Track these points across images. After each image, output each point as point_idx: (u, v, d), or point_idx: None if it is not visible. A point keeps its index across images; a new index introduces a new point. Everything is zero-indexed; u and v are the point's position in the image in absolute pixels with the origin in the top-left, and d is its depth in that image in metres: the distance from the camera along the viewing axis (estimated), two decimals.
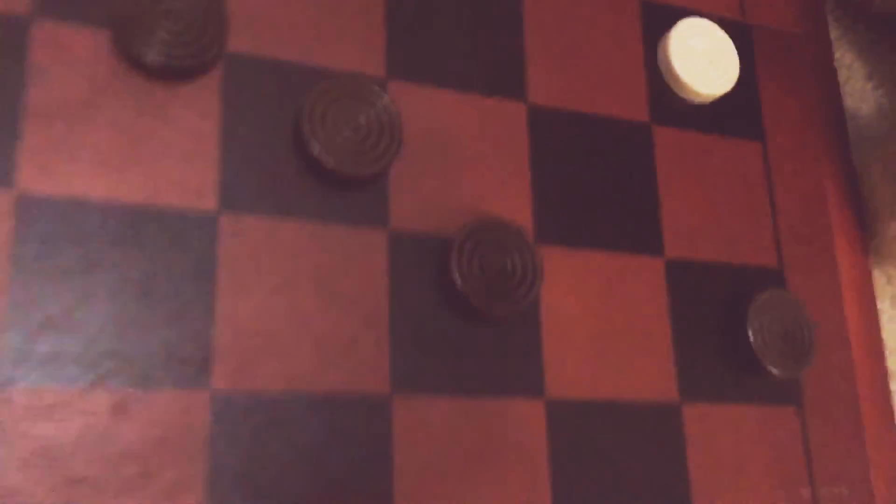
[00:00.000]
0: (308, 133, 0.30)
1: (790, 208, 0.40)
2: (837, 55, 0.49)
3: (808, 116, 0.42)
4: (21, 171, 0.27)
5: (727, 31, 0.41)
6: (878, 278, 0.46)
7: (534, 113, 0.36)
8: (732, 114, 0.40)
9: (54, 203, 0.27)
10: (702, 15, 0.41)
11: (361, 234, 0.31)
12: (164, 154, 0.29)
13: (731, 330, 0.37)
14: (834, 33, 0.49)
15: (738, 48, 0.41)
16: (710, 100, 0.39)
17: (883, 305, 0.46)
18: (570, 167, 0.36)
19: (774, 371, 0.36)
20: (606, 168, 0.36)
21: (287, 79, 0.32)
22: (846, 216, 0.42)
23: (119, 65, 0.29)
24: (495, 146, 0.34)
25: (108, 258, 0.27)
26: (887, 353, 0.44)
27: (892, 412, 0.40)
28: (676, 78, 0.38)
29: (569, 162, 0.36)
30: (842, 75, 0.49)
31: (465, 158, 0.34)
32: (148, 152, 0.29)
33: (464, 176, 0.33)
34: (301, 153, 0.31)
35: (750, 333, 0.36)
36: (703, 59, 0.39)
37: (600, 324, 0.34)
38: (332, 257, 0.30)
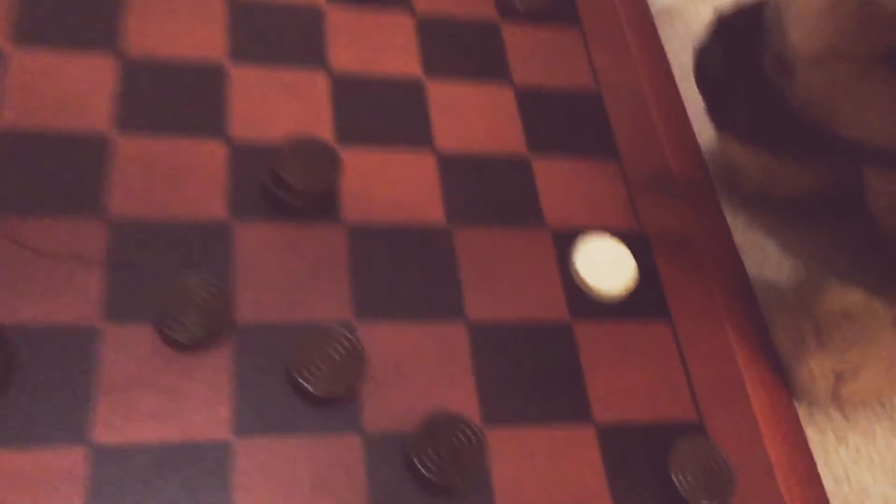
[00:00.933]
0: (298, 377, 0.42)
1: (702, 371, 0.49)
2: (750, 240, 0.60)
3: (710, 293, 0.52)
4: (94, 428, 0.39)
5: (627, 241, 0.53)
6: (816, 415, 0.53)
7: (473, 328, 0.47)
8: (642, 304, 0.51)
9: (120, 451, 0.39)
10: (604, 230, 0.53)
11: (342, 440, 0.42)
12: (190, 400, 0.41)
13: (661, 480, 0.45)
14: (741, 220, 0.60)
15: (639, 252, 0.52)
16: (618, 298, 0.50)
17: (827, 438, 0.53)
18: (508, 365, 0.46)
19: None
20: (538, 360, 0.47)
21: (280, 334, 0.44)
22: (760, 365, 0.51)
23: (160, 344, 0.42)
24: (440, 359, 0.46)
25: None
26: (832, 479, 0.51)
27: None
28: (585, 283, 0.50)
29: (505, 360, 0.47)
30: (755, 256, 0.59)
31: (418, 371, 0.45)
32: (179, 403, 0.41)
33: (419, 384, 0.44)
34: (295, 387, 0.43)
35: (673, 478, 0.44)
36: (604, 266, 0.50)
37: (547, 492, 0.43)
38: (322, 462, 0.41)
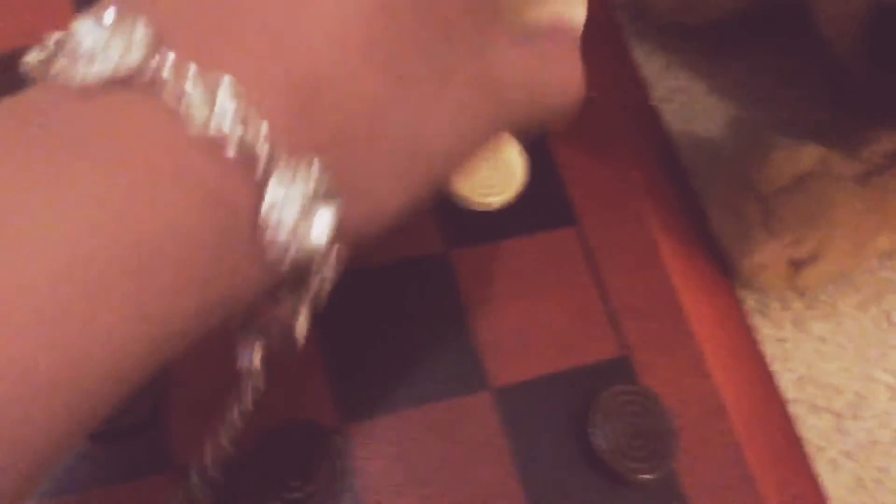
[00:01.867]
0: None
1: (623, 286, 0.37)
2: (670, 83, 0.47)
3: (624, 177, 0.40)
4: None
5: None
6: (770, 305, 0.43)
7: None
8: (536, 209, 0.38)
9: None
10: None
11: None
12: None
13: (581, 445, 0.34)
14: (657, 63, 0.47)
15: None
16: (502, 206, 0.37)
17: (785, 333, 0.43)
18: (365, 328, 0.34)
19: (638, 476, 0.33)
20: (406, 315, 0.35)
21: None
22: (695, 263, 0.39)
23: None
24: None
25: None
26: (795, 385, 0.41)
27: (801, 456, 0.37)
28: (456, 194, 0.37)
29: (361, 322, 0.34)
30: (677, 103, 0.46)
31: None
32: None
33: None
34: None
35: (596, 446, 0.34)
36: (479, 165, 0.37)
37: (433, 490, 0.32)
38: None
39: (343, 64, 0.18)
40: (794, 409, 0.40)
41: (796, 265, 0.39)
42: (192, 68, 0.16)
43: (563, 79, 0.24)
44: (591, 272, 0.37)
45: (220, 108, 0.16)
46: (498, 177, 0.36)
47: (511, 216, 0.37)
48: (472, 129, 0.21)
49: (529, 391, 0.35)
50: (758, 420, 0.37)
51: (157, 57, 0.17)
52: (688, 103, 0.46)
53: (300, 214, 0.17)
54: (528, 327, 0.36)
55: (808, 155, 0.39)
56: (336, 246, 0.18)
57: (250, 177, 0.17)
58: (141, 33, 0.17)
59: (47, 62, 0.17)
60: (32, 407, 0.15)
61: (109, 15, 0.17)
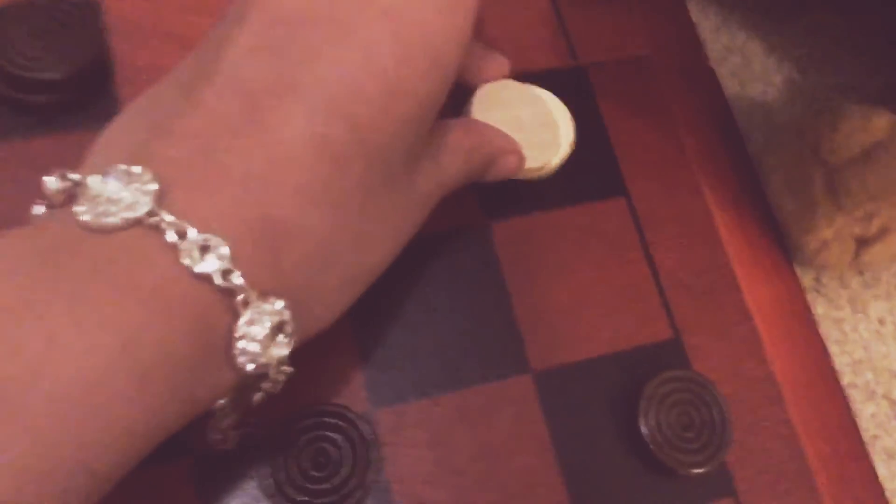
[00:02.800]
0: None
1: (673, 262, 0.34)
2: (725, 42, 0.43)
3: (677, 142, 0.36)
4: None
5: (553, 81, 0.35)
6: (828, 283, 0.40)
7: None
8: (585, 178, 0.35)
9: None
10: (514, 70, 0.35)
11: None
12: None
13: (627, 434, 0.32)
14: (713, 20, 0.44)
15: (571, 96, 0.35)
16: (546, 173, 0.34)
17: (843, 313, 0.40)
18: (393, 306, 0.32)
19: (688, 470, 0.31)
20: (443, 293, 0.32)
21: None
22: (753, 239, 0.36)
23: None
24: None
25: None
26: (851, 369, 0.38)
27: (860, 446, 0.34)
28: None
29: (389, 302, 0.32)
30: (733, 63, 0.43)
31: None
32: None
33: None
34: None
35: (645, 433, 0.31)
36: (525, 129, 0.33)
37: (467, 479, 0.30)
38: None
39: (302, 210, 0.23)
40: (850, 395, 0.37)
41: (862, 243, 0.36)
42: (187, 226, 0.21)
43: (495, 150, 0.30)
44: (642, 246, 0.34)
45: (208, 259, 0.21)
46: (546, 141, 0.33)
47: (555, 185, 0.34)
48: (404, 233, 0.27)
49: (573, 375, 0.32)
50: (815, 409, 0.34)
51: (159, 209, 0.21)
52: (743, 64, 0.43)
53: (265, 336, 0.22)
54: (572, 306, 0.33)
55: (880, 123, 0.35)
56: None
57: (229, 307, 0.22)
58: (148, 186, 0.21)
59: (65, 195, 0.22)
60: (51, 480, 0.19)
61: (122, 169, 0.21)
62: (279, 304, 0.22)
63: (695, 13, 0.43)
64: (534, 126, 0.32)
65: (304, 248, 0.23)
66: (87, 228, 0.21)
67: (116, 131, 0.24)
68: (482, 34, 0.34)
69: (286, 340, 0.23)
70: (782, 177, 0.36)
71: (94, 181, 0.21)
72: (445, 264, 0.33)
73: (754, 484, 0.32)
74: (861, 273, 0.40)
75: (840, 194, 0.35)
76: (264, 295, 0.22)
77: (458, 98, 0.31)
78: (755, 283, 0.35)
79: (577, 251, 0.34)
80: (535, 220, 0.34)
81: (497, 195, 0.34)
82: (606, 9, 0.38)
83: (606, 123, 0.36)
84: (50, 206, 0.23)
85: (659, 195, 0.35)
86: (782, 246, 0.38)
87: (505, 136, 0.30)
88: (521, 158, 0.31)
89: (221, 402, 0.23)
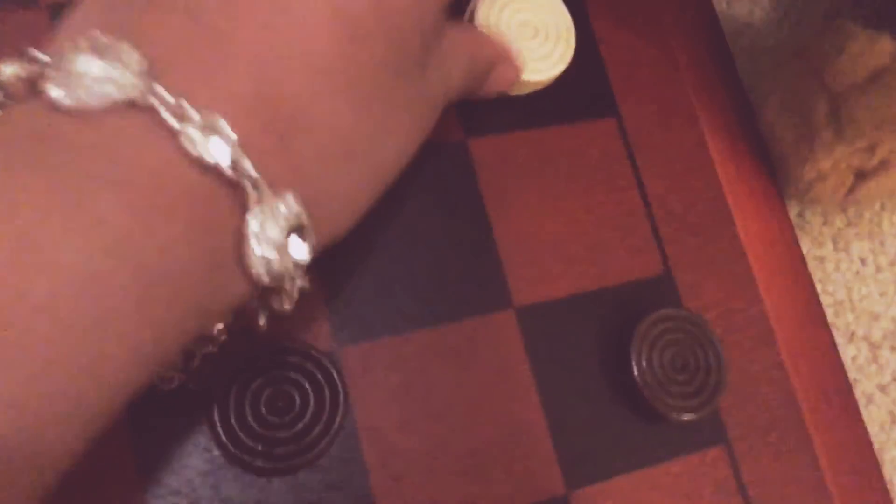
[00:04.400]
0: None
1: (664, 190, 0.31)
2: None
3: (670, 63, 0.33)
4: None
5: None
6: (811, 220, 0.38)
7: None
8: (575, 93, 0.31)
9: None
10: None
11: None
12: None
13: (617, 377, 0.29)
14: None
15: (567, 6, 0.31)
16: (539, 86, 0.30)
17: (825, 251, 0.38)
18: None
19: (681, 416, 0.28)
20: (416, 215, 0.28)
21: None
22: (745, 165, 0.34)
23: None
24: None
25: None
26: (832, 310, 0.36)
27: (857, 414, 0.32)
28: None
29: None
30: None
31: None
32: None
33: None
34: None
35: (637, 376, 0.28)
36: (526, 32, 0.30)
37: (443, 423, 0.27)
38: None
39: (317, 93, 0.20)
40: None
41: (860, 176, 0.33)
42: (187, 106, 0.17)
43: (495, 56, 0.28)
44: (633, 172, 0.31)
45: (214, 145, 0.18)
46: (554, 53, 0.29)
47: (542, 101, 0.30)
48: (420, 133, 0.24)
49: (558, 311, 0.29)
50: (806, 353, 0.32)
51: (153, 89, 0.17)
52: None
53: (280, 237, 0.19)
54: (557, 236, 0.30)
55: (886, 47, 0.33)
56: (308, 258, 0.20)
57: (238, 204, 0.18)
58: (136, 64, 0.18)
59: (31, 80, 0.18)
60: (51, 406, 0.16)
61: (103, 42, 0.18)
62: (294, 201, 0.19)
63: None
64: (543, 35, 0.29)
65: (320, 134, 0.20)
66: (66, 112, 0.17)
67: (88, 8, 0.20)
68: None
69: (304, 245, 0.20)
70: (779, 102, 0.33)
71: (70, 58, 0.17)
72: (419, 186, 0.29)
73: (746, 430, 0.30)
74: (844, 210, 0.38)
75: (843, 122, 0.32)
76: (277, 189, 0.19)
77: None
78: (747, 217, 0.33)
79: (562, 176, 0.30)
80: (517, 139, 0.30)
81: (476, 108, 0.30)
82: None
83: (598, 37, 0.32)
84: (5, 99, 0.18)
85: (652, 118, 0.32)
86: (773, 178, 0.35)
87: (505, 45, 0.28)
88: (518, 71, 0.28)
89: (219, 325, 0.21)
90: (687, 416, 0.29)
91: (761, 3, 0.40)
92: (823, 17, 0.38)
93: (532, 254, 0.29)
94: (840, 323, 0.37)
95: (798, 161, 0.33)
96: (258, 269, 0.19)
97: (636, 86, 0.32)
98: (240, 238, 0.19)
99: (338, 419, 0.25)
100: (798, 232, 0.37)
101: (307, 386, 0.25)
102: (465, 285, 0.28)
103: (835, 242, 0.38)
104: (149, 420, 0.24)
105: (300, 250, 0.19)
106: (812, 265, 0.37)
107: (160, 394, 0.23)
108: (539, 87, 0.30)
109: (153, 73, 0.18)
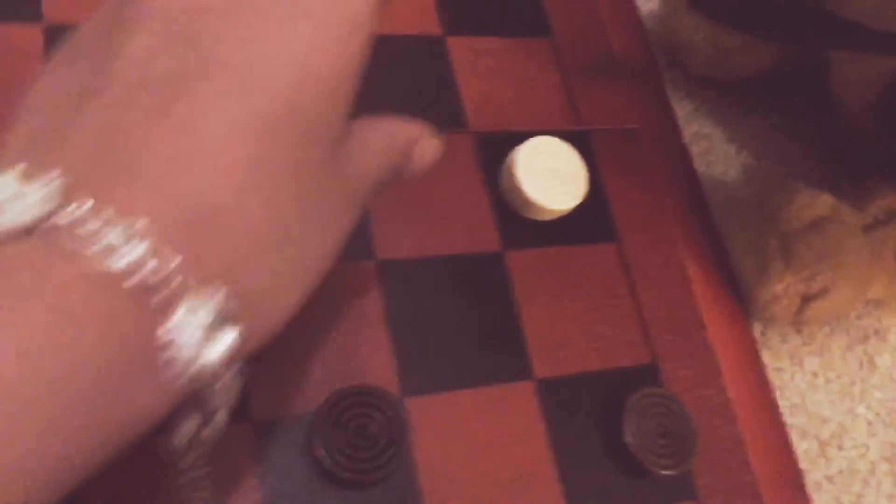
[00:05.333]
0: None
1: (654, 301, 0.41)
2: (695, 128, 0.51)
3: (659, 200, 0.43)
4: None
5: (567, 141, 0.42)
6: (772, 338, 0.47)
7: (383, 267, 0.37)
8: (586, 221, 0.41)
9: None
10: (539, 133, 0.42)
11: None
12: None
13: (611, 438, 0.37)
14: (687, 108, 0.51)
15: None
16: (561, 215, 0.41)
17: (783, 363, 0.47)
18: (425, 313, 0.37)
19: (661, 472, 0.37)
20: (464, 305, 0.38)
21: None
22: (717, 290, 0.43)
23: None
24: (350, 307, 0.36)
25: None
26: (789, 411, 0.45)
27: (796, 474, 0.41)
28: (527, 199, 0.40)
29: (421, 306, 0.37)
30: (701, 146, 0.51)
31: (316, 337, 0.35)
32: None
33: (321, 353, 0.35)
34: None
35: (628, 438, 0.37)
36: (552, 176, 0.40)
37: (479, 467, 0.35)
38: None
39: (231, 192, 0.20)
40: (788, 432, 0.44)
41: (806, 299, 0.43)
42: (109, 212, 0.18)
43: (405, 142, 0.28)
44: (628, 285, 0.41)
45: (129, 252, 0.18)
46: (573, 190, 0.40)
47: (561, 227, 0.40)
48: (341, 223, 0.25)
49: (568, 385, 0.38)
50: (763, 438, 0.41)
51: (72, 204, 0.18)
52: (709, 148, 0.51)
53: (203, 337, 0.19)
54: (570, 328, 0.39)
55: (825, 202, 0.43)
56: (235, 361, 0.20)
57: (158, 309, 0.18)
58: (56, 183, 0.18)
59: None
60: None
61: (21, 170, 0.19)
62: (216, 299, 0.19)
63: (673, 100, 0.51)
64: (566, 176, 0.39)
65: (239, 231, 0.20)
66: None
67: (11, 139, 0.21)
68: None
69: (227, 343, 0.20)
70: (742, 240, 0.44)
71: None
72: (468, 283, 0.39)
73: (712, 491, 0.38)
74: (799, 332, 0.48)
75: (791, 256, 0.42)
76: (198, 290, 0.19)
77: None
78: (717, 324, 0.42)
79: (574, 283, 0.40)
80: (542, 253, 0.40)
81: (514, 229, 0.40)
82: (606, 86, 0.46)
83: (604, 181, 0.43)
84: None
85: (643, 244, 0.42)
86: (739, 300, 0.45)
87: (413, 124, 0.28)
88: (437, 144, 0.29)
89: (182, 435, 0.21)
90: (667, 472, 0.37)
91: (735, 165, 0.51)
92: (780, 178, 0.48)
93: (549, 339, 0.38)
94: (795, 422, 0.45)
95: (756, 285, 0.43)
96: (172, 374, 0.19)
97: (632, 220, 0.42)
98: (160, 344, 0.19)
99: (403, 449, 0.34)
100: (760, 347, 0.46)
101: (384, 422, 0.34)
102: (499, 360, 0.37)
103: (791, 357, 0.47)
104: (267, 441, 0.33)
105: (221, 347, 0.19)
106: (772, 374, 0.46)
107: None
108: (560, 215, 0.40)
109: (73, 190, 0.18)
